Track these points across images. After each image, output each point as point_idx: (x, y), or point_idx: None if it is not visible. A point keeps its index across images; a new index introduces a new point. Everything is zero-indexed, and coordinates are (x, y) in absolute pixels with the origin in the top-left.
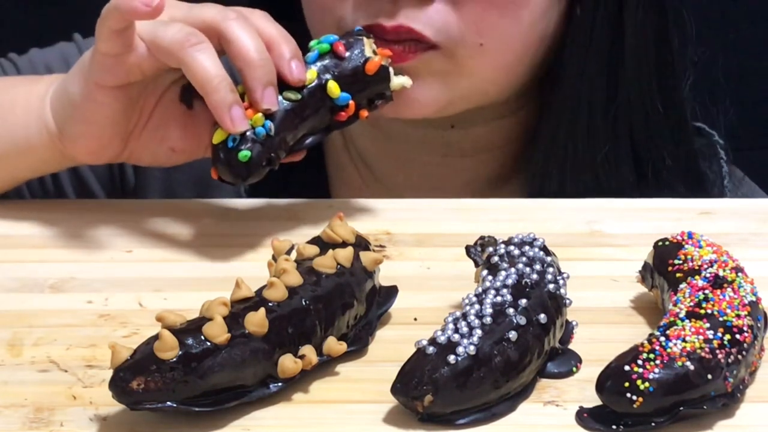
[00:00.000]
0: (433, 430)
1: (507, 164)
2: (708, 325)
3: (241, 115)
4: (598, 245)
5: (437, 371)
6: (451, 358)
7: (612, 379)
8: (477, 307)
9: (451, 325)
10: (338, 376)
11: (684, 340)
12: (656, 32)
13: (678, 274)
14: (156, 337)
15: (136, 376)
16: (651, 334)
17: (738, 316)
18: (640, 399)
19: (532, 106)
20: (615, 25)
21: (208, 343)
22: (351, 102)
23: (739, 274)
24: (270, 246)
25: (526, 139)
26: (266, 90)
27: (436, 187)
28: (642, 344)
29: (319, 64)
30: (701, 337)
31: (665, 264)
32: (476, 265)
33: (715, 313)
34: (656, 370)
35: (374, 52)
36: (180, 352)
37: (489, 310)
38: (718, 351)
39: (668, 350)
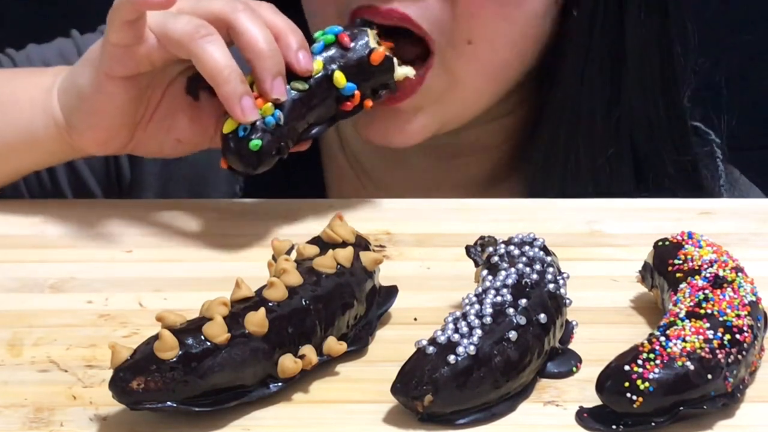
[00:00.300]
0: (433, 430)
1: (502, 164)
2: (708, 325)
3: (251, 105)
4: (598, 245)
5: (437, 371)
6: (451, 358)
7: (612, 379)
8: (477, 307)
9: (451, 325)
10: (338, 376)
11: (684, 340)
12: (659, 37)
13: (678, 274)
14: (156, 337)
15: (136, 376)
16: (651, 334)
17: (738, 316)
18: (640, 399)
19: (528, 106)
20: (615, 28)
21: (208, 343)
22: (356, 92)
23: (739, 274)
24: (270, 246)
25: (521, 139)
26: (275, 80)
27: (430, 188)
28: (642, 344)
29: (324, 54)
30: (701, 337)
31: (665, 264)
32: (476, 265)
33: (715, 313)
34: (656, 370)
35: (378, 44)
36: (180, 352)
37: (489, 310)
38: (718, 351)
39: (668, 350)
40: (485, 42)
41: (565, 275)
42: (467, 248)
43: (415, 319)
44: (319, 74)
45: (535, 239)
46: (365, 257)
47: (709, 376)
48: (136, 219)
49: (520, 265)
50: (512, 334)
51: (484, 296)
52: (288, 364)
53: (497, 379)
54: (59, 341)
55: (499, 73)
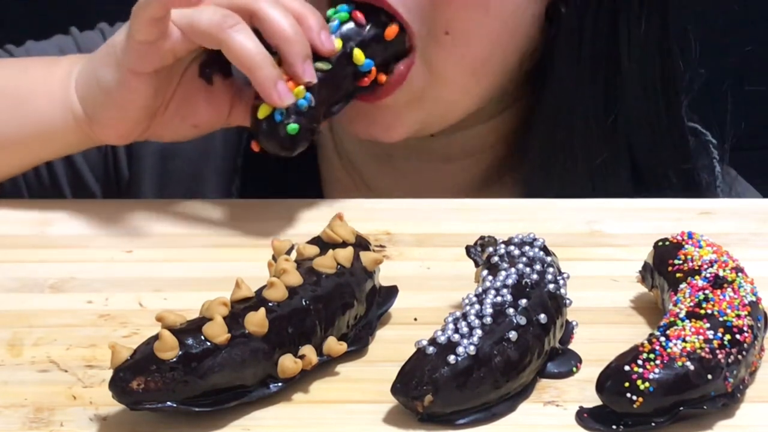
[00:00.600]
0: (433, 430)
1: (495, 165)
2: (708, 325)
3: (286, 89)
4: (598, 245)
5: (437, 371)
6: (451, 358)
7: (612, 379)
8: (477, 307)
9: (451, 325)
10: (338, 376)
11: (684, 340)
12: (658, 39)
13: (678, 274)
14: (156, 337)
15: (136, 376)
16: (651, 334)
17: (738, 316)
18: (640, 399)
19: (520, 106)
20: (608, 27)
21: (208, 343)
22: (373, 68)
23: (739, 274)
24: (270, 246)
25: (514, 139)
26: (305, 63)
27: (423, 190)
28: (642, 344)
29: (342, 32)
30: (701, 337)
31: (665, 264)
32: (476, 265)
33: (715, 313)
34: (656, 370)
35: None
36: (180, 352)
37: (489, 310)
38: (718, 351)
39: (668, 350)
40: (461, 33)
41: (565, 275)
42: (467, 248)
43: (415, 319)
44: (339, 53)
45: (535, 239)
46: (365, 257)
47: (709, 377)
48: (136, 219)
49: (520, 266)
50: (512, 335)
51: (484, 296)
52: (288, 364)
53: (497, 380)
54: (59, 341)
55: (479, 68)
